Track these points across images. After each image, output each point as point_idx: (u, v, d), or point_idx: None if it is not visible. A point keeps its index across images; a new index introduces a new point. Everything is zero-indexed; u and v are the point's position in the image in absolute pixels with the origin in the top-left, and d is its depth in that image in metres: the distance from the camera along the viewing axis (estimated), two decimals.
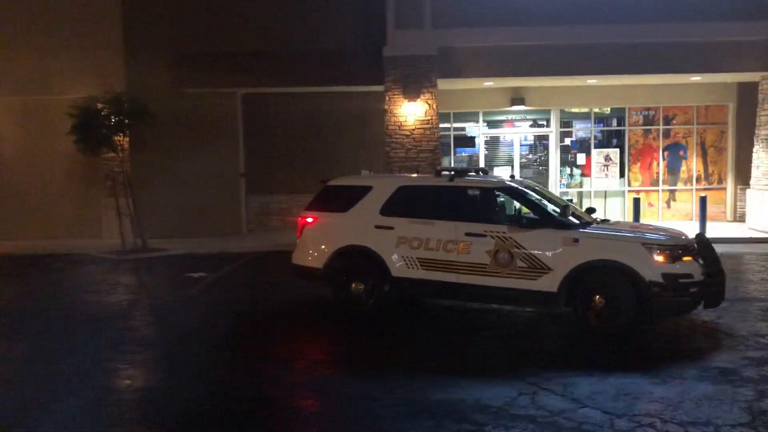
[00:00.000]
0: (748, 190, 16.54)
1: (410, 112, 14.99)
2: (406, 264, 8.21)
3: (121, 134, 14.72)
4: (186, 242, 15.25)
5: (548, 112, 17.95)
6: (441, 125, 16.06)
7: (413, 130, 15.05)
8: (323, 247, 8.73)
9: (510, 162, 18.14)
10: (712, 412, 5.18)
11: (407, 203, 8.47)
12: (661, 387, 5.78)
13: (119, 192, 14.63)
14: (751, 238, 14.88)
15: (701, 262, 7.52)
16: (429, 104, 15.01)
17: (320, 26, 15.84)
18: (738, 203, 17.49)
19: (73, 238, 16.11)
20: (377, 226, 8.41)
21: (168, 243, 15.05)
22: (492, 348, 7.25)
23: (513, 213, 8.75)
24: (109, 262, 13.46)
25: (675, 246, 7.47)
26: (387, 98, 15.11)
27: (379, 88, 15.40)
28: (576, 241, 7.51)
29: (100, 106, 14.35)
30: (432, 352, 7.11)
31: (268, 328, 8.39)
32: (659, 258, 7.26)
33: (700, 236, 8.15)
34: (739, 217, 17.28)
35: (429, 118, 15.05)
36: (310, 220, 8.94)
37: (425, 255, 8.11)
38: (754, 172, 16.15)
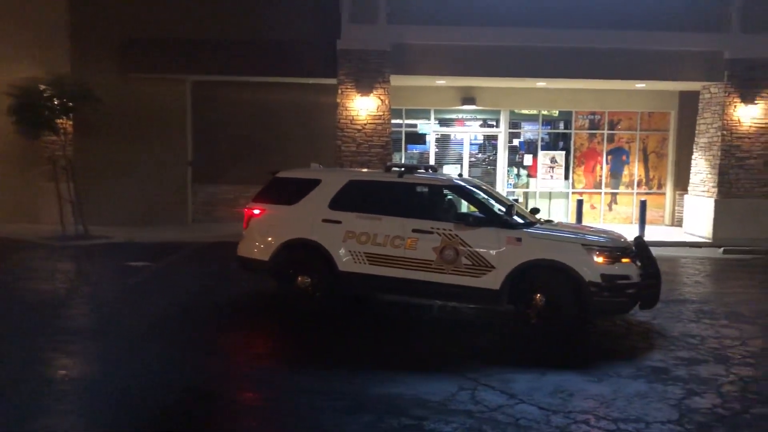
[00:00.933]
0: (686, 195, 17.12)
1: (362, 107, 15.00)
2: (353, 258, 8.22)
3: (64, 117, 14.28)
4: (129, 230, 14.91)
5: (498, 112, 18.20)
6: (393, 121, 16.11)
7: (365, 124, 15.06)
8: (270, 239, 8.66)
9: (460, 160, 18.32)
10: (644, 410, 5.37)
11: (356, 198, 8.48)
12: (597, 384, 5.95)
13: (60, 176, 14.20)
14: (687, 243, 15.40)
15: (639, 264, 7.76)
16: (381, 99, 15.04)
17: (274, 16, 15.65)
18: (676, 208, 18.09)
19: (11, 223, 15.56)
20: (325, 220, 8.39)
21: (110, 231, 14.68)
22: (435, 344, 7.33)
23: (460, 211, 8.85)
24: (47, 249, 13.07)
25: (614, 248, 7.69)
26: (339, 92, 15.07)
27: (332, 81, 15.34)
28: (519, 240, 7.66)
29: (42, 87, 13.87)
30: (375, 347, 7.15)
31: (211, 320, 8.29)
32: (599, 259, 7.46)
33: (639, 239, 8.40)
34: (677, 222, 17.87)
35: (381, 113, 15.08)
36: (257, 211, 8.85)
37: (372, 250, 8.14)
38: (692, 179, 16.73)
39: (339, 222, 8.31)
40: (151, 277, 10.66)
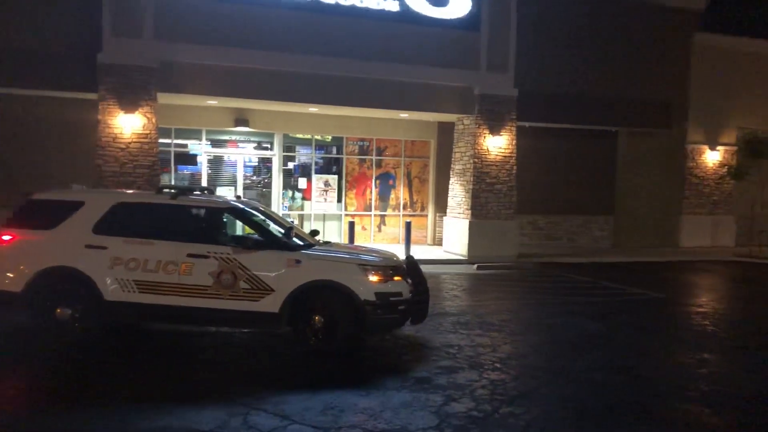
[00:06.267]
0: (445, 217, 18.65)
1: (127, 125, 14.20)
2: (121, 287, 7.75)
3: None
4: None
5: (272, 135, 18.38)
6: (161, 141, 15.49)
7: (129, 143, 14.28)
8: (23, 268, 7.86)
9: (233, 182, 18.16)
10: (408, 419, 5.75)
11: (124, 221, 8.03)
12: (366, 399, 6.25)
13: None
14: (446, 260, 16.77)
15: (409, 281, 8.27)
16: (148, 118, 14.38)
17: (23, 22, 14.22)
18: (437, 229, 19.62)
19: None
20: (88, 246, 7.83)
21: None
22: (207, 371, 7.16)
23: (238, 234, 8.78)
24: None
25: (387, 267, 8.09)
26: (101, 108, 14.13)
27: (93, 96, 14.38)
28: (298, 262, 7.78)
29: None
30: (141, 379, 6.78)
31: None
32: (373, 278, 7.82)
33: (410, 258, 8.97)
34: (438, 242, 19.39)
35: (147, 132, 14.41)
36: (7, 237, 7.99)
37: (143, 277, 7.75)
38: (450, 202, 18.29)
39: (104, 247, 7.81)
40: None
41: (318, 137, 18.95)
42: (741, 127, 20.79)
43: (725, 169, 21.18)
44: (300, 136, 18.84)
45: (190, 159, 17.82)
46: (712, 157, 21.84)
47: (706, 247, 21.32)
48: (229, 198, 9.75)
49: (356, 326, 7.73)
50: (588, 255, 18.74)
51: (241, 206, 8.61)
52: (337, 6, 15.66)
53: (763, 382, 7.28)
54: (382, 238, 19.34)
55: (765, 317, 11.20)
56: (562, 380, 7.10)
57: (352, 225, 16.65)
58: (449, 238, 18.13)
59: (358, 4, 15.81)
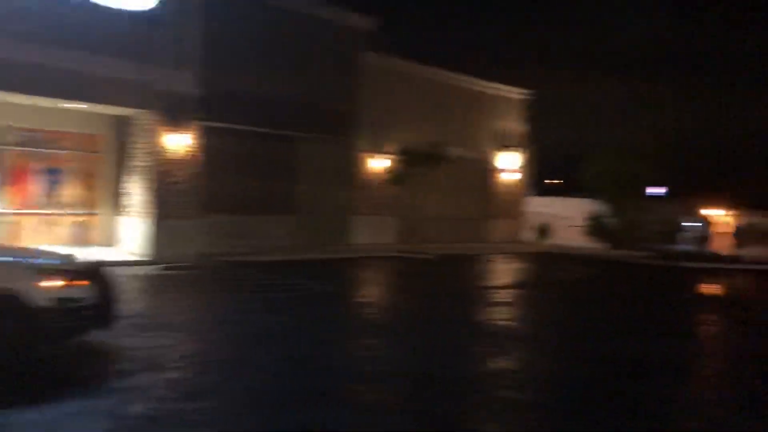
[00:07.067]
0: (123, 216, 17.74)
1: None
2: None
3: None
4: None
5: None
6: None
7: None
8: None
9: None
10: (83, 426, 5.50)
11: None
12: (37, 411, 5.77)
13: None
14: (126, 261, 16.00)
15: (93, 285, 7.69)
16: None
17: None
18: (114, 228, 18.55)
19: None
20: None
21: None
22: None
23: None
24: None
25: (66, 270, 7.45)
26: None
27: None
28: None
29: None
30: None
31: None
32: (50, 283, 7.09)
33: (93, 260, 8.39)
34: (115, 242, 18.35)
35: None
36: None
37: None
38: (129, 201, 17.47)
39: None
40: None
41: None
42: (401, 140, 23.50)
43: (388, 176, 23.70)
44: None
45: None
46: (378, 165, 24.28)
47: (373, 244, 23.61)
48: None
49: (31, 336, 6.96)
50: (271, 253, 19.47)
51: None
52: None
53: (417, 362, 8.44)
54: (51, 238, 17.63)
55: (420, 305, 12.90)
56: (244, 373, 7.39)
57: (13, 225, 14.93)
58: (129, 238, 17.33)
59: None
